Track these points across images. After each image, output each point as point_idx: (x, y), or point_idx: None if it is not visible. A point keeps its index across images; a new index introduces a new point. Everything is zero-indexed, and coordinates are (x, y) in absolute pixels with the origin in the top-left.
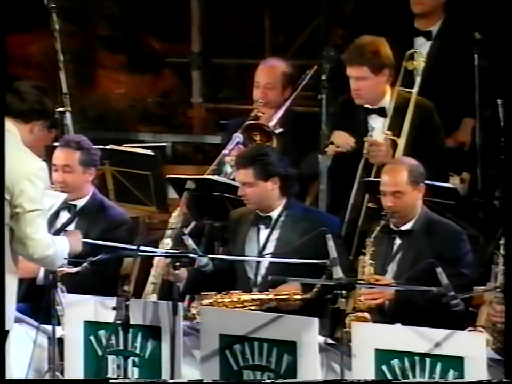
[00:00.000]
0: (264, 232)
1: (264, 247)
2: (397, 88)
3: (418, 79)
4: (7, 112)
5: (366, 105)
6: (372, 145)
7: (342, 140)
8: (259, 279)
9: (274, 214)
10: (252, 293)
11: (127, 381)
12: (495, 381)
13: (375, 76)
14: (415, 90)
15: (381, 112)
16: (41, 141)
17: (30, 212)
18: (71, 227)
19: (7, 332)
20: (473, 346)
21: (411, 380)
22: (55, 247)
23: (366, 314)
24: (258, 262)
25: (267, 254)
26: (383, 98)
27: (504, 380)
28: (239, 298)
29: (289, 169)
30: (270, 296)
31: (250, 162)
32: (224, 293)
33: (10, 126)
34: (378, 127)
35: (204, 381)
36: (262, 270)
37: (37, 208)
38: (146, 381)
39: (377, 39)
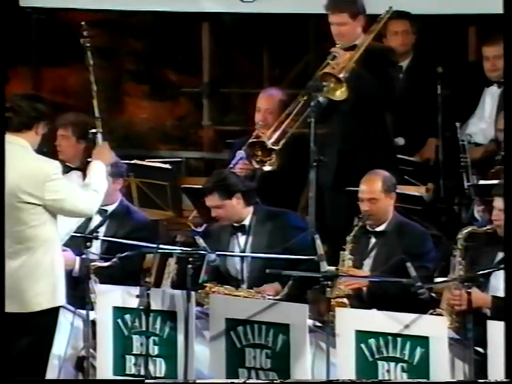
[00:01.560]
0: (242, 238)
1: (244, 250)
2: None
3: None
4: (10, 128)
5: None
6: None
7: None
8: (245, 276)
9: (246, 222)
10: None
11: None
12: (495, 381)
13: (353, 21)
14: None
15: None
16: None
17: (63, 199)
18: (101, 229)
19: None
20: (436, 327)
21: (385, 354)
22: (97, 195)
23: (345, 300)
24: (242, 263)
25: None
26: (357, 38)
27: (504, 380)
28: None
29: (246, 184)
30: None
31: (213, 188)
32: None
33: (19, 140)
34: None
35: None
36: (245, 269)
37: (65, 196)
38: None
39: None
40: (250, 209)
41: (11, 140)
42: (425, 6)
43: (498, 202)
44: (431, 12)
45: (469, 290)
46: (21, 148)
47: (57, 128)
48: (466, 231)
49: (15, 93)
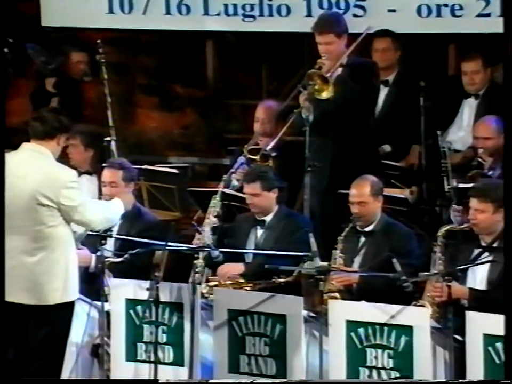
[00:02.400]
0: (260, 231)
1: (259, 242)
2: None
3: None
4: (35, 137)
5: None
6: None
7: None
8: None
9: (268, 218)
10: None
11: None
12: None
13: (337, 40)
14: None
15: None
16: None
17: (74, 206)
18: (115, 228)
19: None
20: (419, 318)
21: (373, 342)
22: (108, 213)
23: (337, 294)
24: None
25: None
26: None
27: (504, 380)
28: (236, 281)
29: (283, 183)
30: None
31: (256, 177)
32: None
33: (41, 148)
34: None
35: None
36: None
37: (78, 204)
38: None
39: (335, 12)
40: (276, 207)
41: (34, 147)
42: (409, 25)
43: (474, 203)
44: (414, 31)
45: (448, 284)
46: (42, 155)
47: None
48: (445, 229)
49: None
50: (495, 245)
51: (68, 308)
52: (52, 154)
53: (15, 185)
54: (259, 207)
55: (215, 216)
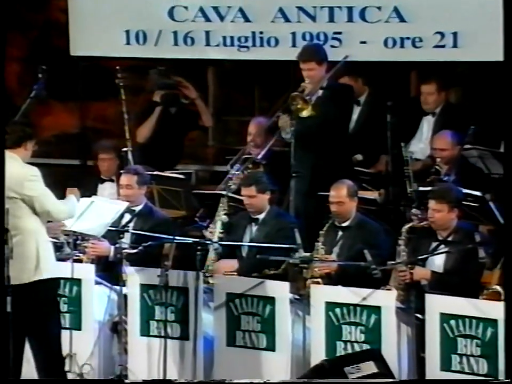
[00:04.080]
0: (254, 228)
1: (253, 237)
2: None
3: None
4: (5, 146)
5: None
6: None
7: None
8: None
9: (261, 216)
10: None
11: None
12: (495, 381)
13: (318, 67)
14: None
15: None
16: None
17: (35, 196)
18: (131, 224)
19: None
20: (386, 299)
21: (348, 320)
22: (66, 206)
23: (318, 280)
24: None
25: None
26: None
27: (504, 380)
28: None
29: (275, 186)
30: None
31: (253, 181)
32: None
33: (11, 154)
34: None
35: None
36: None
37: (38, 194)
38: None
39: (316, 43)
40: (269, 207)
41: (6, 154)
42: (377, 55)
43: (432, 204)
44: (381, 60)
45: (411, 271)
46: (11, 159)
47: (98, 151)
48: (408, 226)
49: (11, 119)
50: (449, 238)
51: (44, 285)
52: (19, 158)
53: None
54: (254, 207)
55: (224, 214)
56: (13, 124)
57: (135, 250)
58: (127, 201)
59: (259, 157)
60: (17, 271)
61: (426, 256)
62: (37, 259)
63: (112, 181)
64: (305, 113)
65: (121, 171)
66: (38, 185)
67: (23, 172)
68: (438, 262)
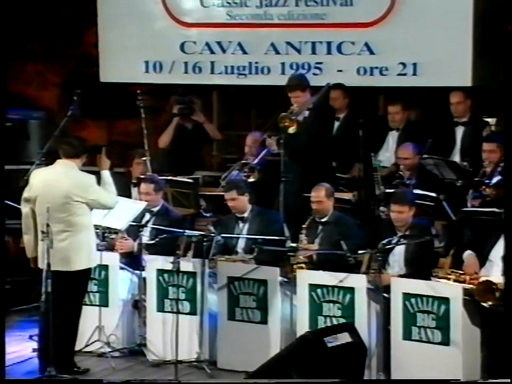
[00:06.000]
0: (241, 225)
1: (244, 233)
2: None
3: None
4: (65, 155)
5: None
6: None
7: None
8: (240, 249)
9: (246, 214)
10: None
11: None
12: (495, 381)
13: (303, 93)
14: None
15: None
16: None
17: (98, 199)
18: (150, 221)
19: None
20: (359, 282)
21: (327, 299)
22: (111, 197)
23: (303, 265)
24: (240, 240)
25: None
26: (308, 102)
27: (504, 380)
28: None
29: (251, 189)
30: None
31: (233, 186)
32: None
33: (68, 162)
34: None
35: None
36: (242, 244)
37: (98, 197)
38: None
39: (299, 74)
40: (250, 206)
41: (66, 162)
42: (352, 81)
43: (394, 206)
44: (355, 85)
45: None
46: (71, 168)
47: (134, 157)
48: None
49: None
50: (407, 233)
51: (88, 273)
52: (77, 167)
53: (55, 189)
54: (238, 208)
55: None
56: (73, 139)
57: (153, 241)
58: (148, 206)
59: (254, 162)
60: (65, 260)
61: (390, 246)
62: (88, 251)
63: (134, 184)
64: (291, 130)
65: (141, 176)
66: (97, 189)
67: (87, 179)
68: (398, 251)
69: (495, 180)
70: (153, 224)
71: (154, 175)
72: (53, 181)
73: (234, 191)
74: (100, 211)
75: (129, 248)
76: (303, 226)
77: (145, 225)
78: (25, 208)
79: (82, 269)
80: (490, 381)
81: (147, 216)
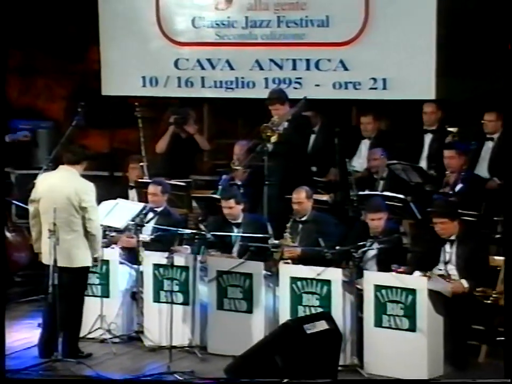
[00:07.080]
0: (236, 230)
1: (237, 238)
2: None
3: None
4: (68, 162)
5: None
6: None
7: None
8: (235, 248)
9: (239, 220)
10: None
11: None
12: (495, 381)
13: (282, 106)
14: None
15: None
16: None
17: (89, 207)
18: (153, 221)
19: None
20: (335, 275)
21: (307, 290)
22: (99, 229)
23: (289, 261)
24: (235, 240)
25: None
26: (287, 113)
27: (504, 380)
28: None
29: (246, 199)
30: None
31: (232, 195)
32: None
33: (70, 168)
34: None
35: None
36: (236, 248)
37: (89, 205)
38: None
39: (278, 89)
40: (242, 214)
41: (68, 168)
42: (328, 94)
43: (370, 215)
44: (331, 98)
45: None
46: (73, 174)
47: (129, 163)
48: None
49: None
50: (380, 237)
51: (86, 270)
52: (77, 173)
53: (57, 192)
54: (233, 215)
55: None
56: (75, 147)
57: (149, 238)
58: (153, 205)
59: (241, 166)
60: (68, 257)
61: (365, 249)
62: (87, 250)
63: (132, 187)
64: (273, 139)
65: (149, 180)
66: (92, 199)
67: (84, 186)
68: (371, 253)
69: (458, 187)
70: (156, 223)
71: (162, 179)
72: (56, 185)
73: (233, 200)
74: (101, 211)
75: (133, 245)
76: (286, 225)
77: (143, 225)
78: (31, 208)
79: (83, 265)
80: (490, 380)
81: (150, 214)
